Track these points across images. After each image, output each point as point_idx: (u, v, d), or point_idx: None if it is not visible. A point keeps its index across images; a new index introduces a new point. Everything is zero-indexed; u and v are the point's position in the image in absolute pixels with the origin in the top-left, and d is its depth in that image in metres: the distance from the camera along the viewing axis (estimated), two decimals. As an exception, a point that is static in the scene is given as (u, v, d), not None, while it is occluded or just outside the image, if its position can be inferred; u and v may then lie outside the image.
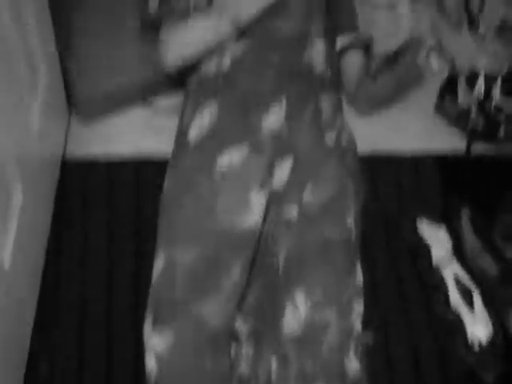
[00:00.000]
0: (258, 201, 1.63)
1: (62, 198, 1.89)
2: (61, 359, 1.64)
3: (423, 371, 1.70)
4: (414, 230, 1.88)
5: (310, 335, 1.51)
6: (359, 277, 1.63)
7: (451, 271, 1.79)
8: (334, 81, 1.94)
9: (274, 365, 1.51)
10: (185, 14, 1.94)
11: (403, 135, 2.14)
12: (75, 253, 1.81)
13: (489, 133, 2.09)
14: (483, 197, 1.96)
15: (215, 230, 1.59)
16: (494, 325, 1.72)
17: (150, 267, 1.60)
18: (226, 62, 1.84)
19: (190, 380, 1.51)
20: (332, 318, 1.52)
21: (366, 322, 1.58)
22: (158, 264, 1.59)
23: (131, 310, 1.70)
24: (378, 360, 1.67)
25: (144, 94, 2.11)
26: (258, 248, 1.63)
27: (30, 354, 1.63)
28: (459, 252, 1.82)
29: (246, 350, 1.55)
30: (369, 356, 1.54)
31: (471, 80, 2.06)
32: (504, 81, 2.03)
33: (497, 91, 2.02)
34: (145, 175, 1.96)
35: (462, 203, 1.89)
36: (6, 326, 1.45)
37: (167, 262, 1.57)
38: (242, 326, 1.57)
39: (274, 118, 1.73)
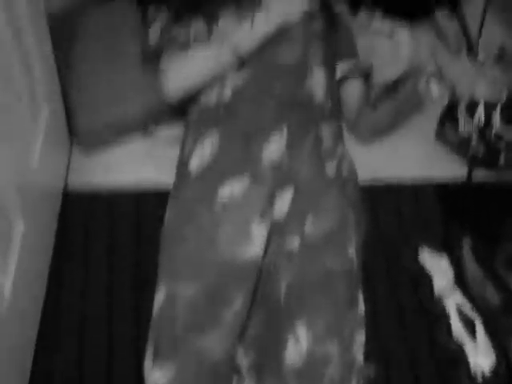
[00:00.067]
0: (259, 232, 1.63)
1: (63, 229, 1.89)
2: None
3: (426, 402, 1.69)
4: (416, 258, 1.88)
5: (312, 368, 1.51)
6: (361, 307, 1.63)
7: (453, 300, 1.79)
8: (334, 109, 1.94)
9: (275, 398, 1.50)
10: (185, 45, 1.95)
11: (404, 162, 2.14)
12: (76, 284, 1.80)
13: (489, 160, 2.09)
14: (484, 224, 1.96)
15: (216, 262, 1.59)
16: (496, 355, 1.71)
17: (151, 299, 1.60)
18: (227, 91, 1.85)
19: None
20: (334, 351, 1.52)
21: (368, 353, 1.57)
22: (159, 297, 1.58)
23: (132, 343, 1.69)
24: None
25: (145, 124, 2.11)
26: (260, 279, 1.63)
27: (31, 382, 1.62)
28: (461, 281, 1.82)
29: (248, 383, 1.55)
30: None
31: (471, 107, 2.07)
32: (504, 108, 2.03)
33: (497, 119, 2.02)
34: (146, 206, 1.96)
35: (463, 232, 1.89)
36: (6, 354, 1.45)
37: (168, 295, 1.57)
38: (243, 359, 1.56)
39: (274, 148, 1.74)
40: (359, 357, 1.55)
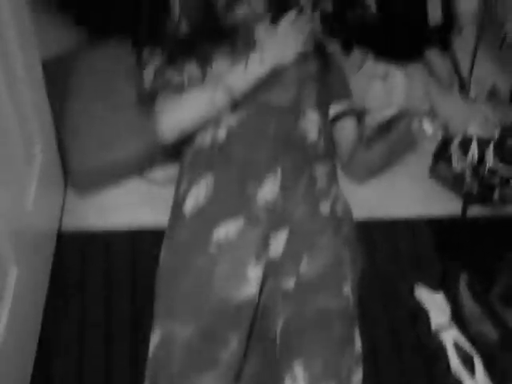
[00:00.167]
0: (254, 274, 1.63)
1: (58, 271, 1.89)
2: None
3: None
4: (412, 295, 1.88)
5: (309, 408, 1.50)
6: (358, 344, 1.62)
7: (451, 336, 1.78)
8: (328, 149, 1.95)
9: None
10: (180, 87, 1.96)
11: (399, 200, 2.15)
12: (72, 325, 1.79)
13: (484, 196, 2.10)
14: (480, 260, 1.96)
15: (212, 303, 1.59)
16: (496, 391, 1.71)
17: (147, 339, 1.59)
18: (221, 133, 1.86)
19: None
20: (331, 391, 1.51)
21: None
22: (155, 337, 1.58)
23: (130, 382, 1.69)
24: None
25: (140, 167, 2.12)
26: (255, 319, 1.63)
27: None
28: (458, 317, 1.81)
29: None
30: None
31: (464, 144, 2.08)
32: (496, 145, 2.05)
33: (490, 155, 2.03)
34: (141, 246, 1.96)
35: (459, 268, 1.89)
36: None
37: (164, 336, 1.57)
38: (240, 399, 1.56)
39: (269, 189, 1.74)
40: (357, 395, 1.55)
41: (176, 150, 2.00)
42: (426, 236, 2.05)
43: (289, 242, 1.70)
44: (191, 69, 2.00)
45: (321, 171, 1.84)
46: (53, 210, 1.99)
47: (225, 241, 1.66)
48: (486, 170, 2.04)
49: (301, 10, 2.24)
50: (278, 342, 1.58)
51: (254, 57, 1.92)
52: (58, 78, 2.10)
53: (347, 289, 1.66)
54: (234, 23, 2.05)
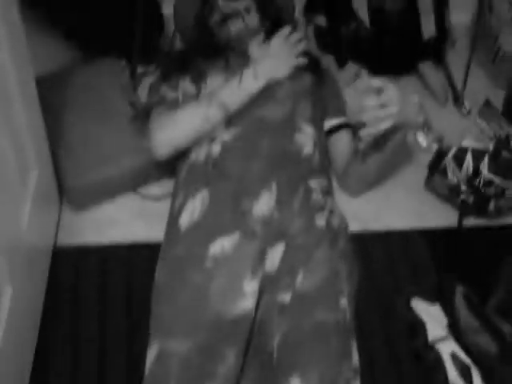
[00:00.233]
0: (251, 288, 1.63)
1: (53, 287, 1.88)
2: None
3: None
4: (409, 307, 1.87)
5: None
6: (355, 358, 1.62)
7: (448, 348, 1.78)
8: (323, 163, 1.96)
9: None
10: (174, 103, 1.97)
11: (394, 212, 2.15)
12: (66, 341, 1.79)
13: (479, 208, 2.10)
14: (476, 272, 1.95)
15: (209, 318, 1.58)
16: (494, 403, 1.70)
17: (143, 355, 1.59)
18: (216, 148, 1.86)
19: None
20: (328, 405, 1.50)
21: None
22: (152, 353, 1.58)
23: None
24: None
25: (134, 183, 2.12)
26: (252, 333, 1.63)
27: None
28: (455, 329, 1.81)
29: None
30: None
31: (459, 157, 2.08)
32: (491, 157, 2.05)
33: (485, 167, 2.04)
34: (136, 262, 1.95)
35: (455, 280, 1.89)
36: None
37: (161, 352, 1.56)
38: (237, 414, 1.55)
39: (264, 204, 1.74)
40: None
41: (170, 166, 2.00)
42: (421, 248, 2.05)
43: (285, 255, 1.70)
44: (185, 85, 2.01)
45: (316, 184, 1.85)
46: (48, 227, 1.99)
47: (221, 255, 1.66)
48: (481, 181, 2.05)
49: (295, 25, 2.26)
50: (275, 355, 1.58)
51: (248, 72, 1.93)
52: (52, 95, 2.11)
53: (344, 302, 1.66)
54: (228, 39, 2.06)
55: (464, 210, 2.10)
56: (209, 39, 2.11)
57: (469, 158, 2.08)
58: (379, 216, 2.13)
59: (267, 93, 1.94)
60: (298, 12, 2.47)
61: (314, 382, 1.52)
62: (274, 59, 1.97)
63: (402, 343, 1.83)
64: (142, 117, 2.02)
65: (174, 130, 1.92)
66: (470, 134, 2.22)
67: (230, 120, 1.90)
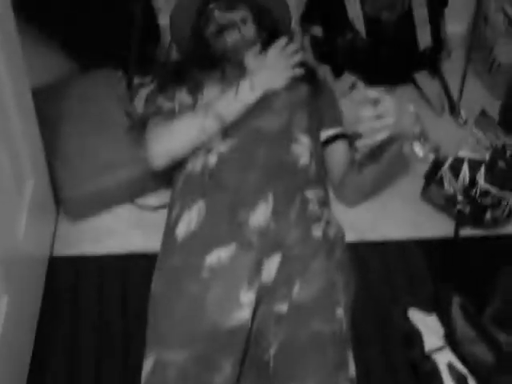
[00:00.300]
0: (247, 299, 1.63)
1: (49, 297, 1.88)
2: None
3: None
4: (405, 317, 1.87)
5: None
6: (352, 368, 1.62)
7: (445, 358, 1.77)
8: (320, 173, 1.96)
9: None
10: (171, 114, 1.97)
11: (390, 222, 2.15)
12: (63, 351, 1.78)
13: (476, 218, 2.10)
14: (473, 281, 1.95)
15: (205, 329, 1.59)
16: (491, 413, 1.70)
17: (139, 365, 1.59)
18: (212, 159, 1.86)
19: None
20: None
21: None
22: (148, 364, 1.58)
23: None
24: None
25: (131, 194, 2.12)
26: (249, 344, 1.63)
27: None
28: (452, 339, 1.81)
29: None
30: None
31: (456, 167, 2.09)
32: (488, 167, 2.05)
33: (481, 178, 2.04)
34: (133, 272, 1.95)
35: (452, 290, 1.89)
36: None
37: (157, 362, 1.56)
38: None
39: (260, 215, 1.75)
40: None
41: (167, 177, 2.00)
42: (418, 258, 2.05)
43: (281, 266, 1.71)
44: (182, 96, 2.01)
45: (313, 195, 1.85)
46: (44, 237, 1.99)
47: (217, 266, 1.66)
48: (478, 191, 2.05)
49: (291, 36, 2.27)
50: (271, 366, 1.58)
51: (245, 83, 1.93)
52: (48, 106, 2.12)
53: (340, 312, 1.66)
54: (224, 50, 2.07)
55: (460, 220, 2.10)
56: (205, 50, 2.11)
57: (465, 168, 2.08)
58: (376, 226, 2.13)
59: (263, 103, 1.94)
60: (295, 22, 2.47)
61: (311, 393, 1.52)
62: (271, 70, 1.97)
63: (399, 353, 1.82)
64: (139, 127, 2.02)
65: (170, 140, 1.92)
66: (466, 144, 2.22)
67: (226, 131, 1.90)
